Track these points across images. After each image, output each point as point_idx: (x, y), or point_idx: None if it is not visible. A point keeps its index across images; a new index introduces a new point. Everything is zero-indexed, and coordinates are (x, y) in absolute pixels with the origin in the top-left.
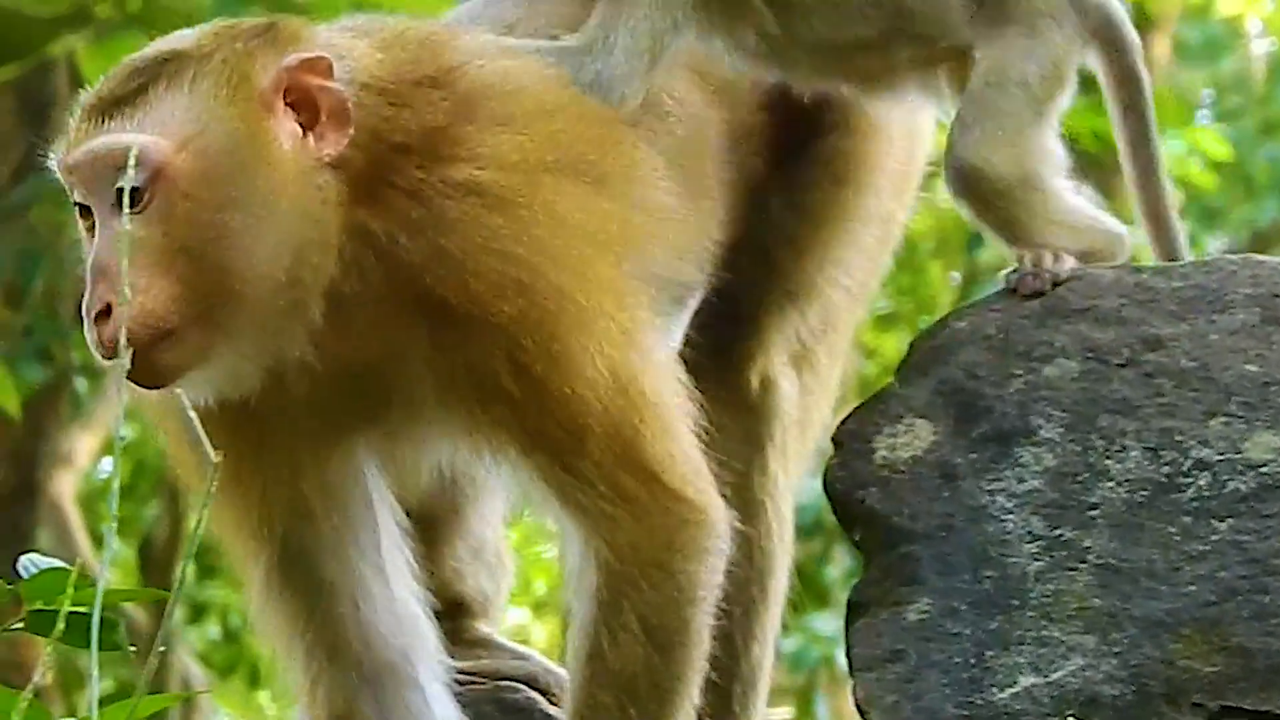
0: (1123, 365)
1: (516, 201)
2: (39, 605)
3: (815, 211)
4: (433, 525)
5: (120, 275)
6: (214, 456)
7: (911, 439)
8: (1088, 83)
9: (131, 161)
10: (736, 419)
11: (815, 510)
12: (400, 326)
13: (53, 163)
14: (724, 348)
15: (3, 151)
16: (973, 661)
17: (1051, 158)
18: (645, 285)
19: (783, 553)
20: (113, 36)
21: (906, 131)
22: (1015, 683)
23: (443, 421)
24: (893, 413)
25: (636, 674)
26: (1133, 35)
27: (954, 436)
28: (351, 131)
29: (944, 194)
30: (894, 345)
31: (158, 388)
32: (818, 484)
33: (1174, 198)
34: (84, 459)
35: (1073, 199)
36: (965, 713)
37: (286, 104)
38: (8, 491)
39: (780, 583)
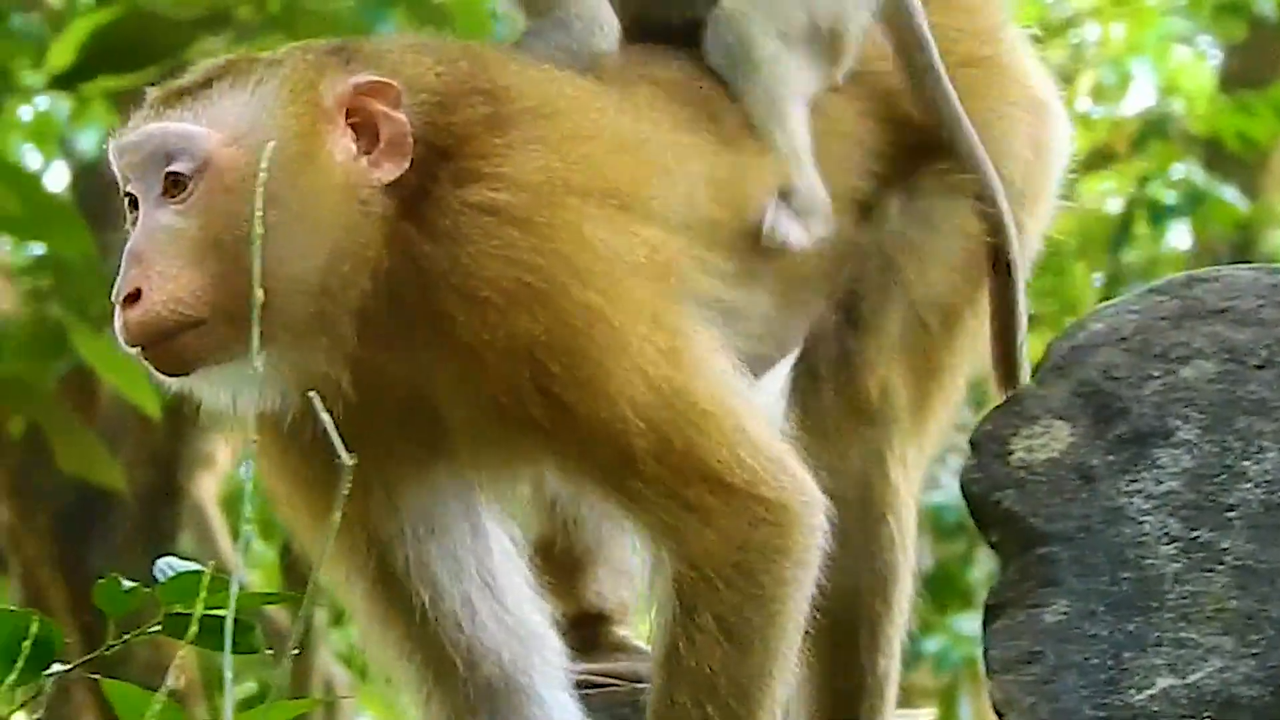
0: (1260, 366)
1: (535, 220)
2: (175, 608)
3: (934, 219)
4: (575, 559)
5: (154, 263)
6: (347, 459)
7: (1049, 440)
8: (1225, 84)
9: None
10: (856, 429)
11: (958, 511)
12: (429, 350)
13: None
14: (844, 356)
15: None
16: (1110, 663)
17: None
18: (691, 306)
19: (905, 562)
20: (253, 39)
21: (1032, 143)
22: (1153, 684)
23: (487, 451)
24: (1030, 414)
25: (715, 673)
26: (919, 13)
27: (1091, 438)
28: (408, 163)
29: (1087, 195)
30: (1036, 347)
31: (177, 375)
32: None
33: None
34: (225, 460)
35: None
36: (1102, 714)
37: (348, 123)
38: (150, 493)
39: (904, 592)
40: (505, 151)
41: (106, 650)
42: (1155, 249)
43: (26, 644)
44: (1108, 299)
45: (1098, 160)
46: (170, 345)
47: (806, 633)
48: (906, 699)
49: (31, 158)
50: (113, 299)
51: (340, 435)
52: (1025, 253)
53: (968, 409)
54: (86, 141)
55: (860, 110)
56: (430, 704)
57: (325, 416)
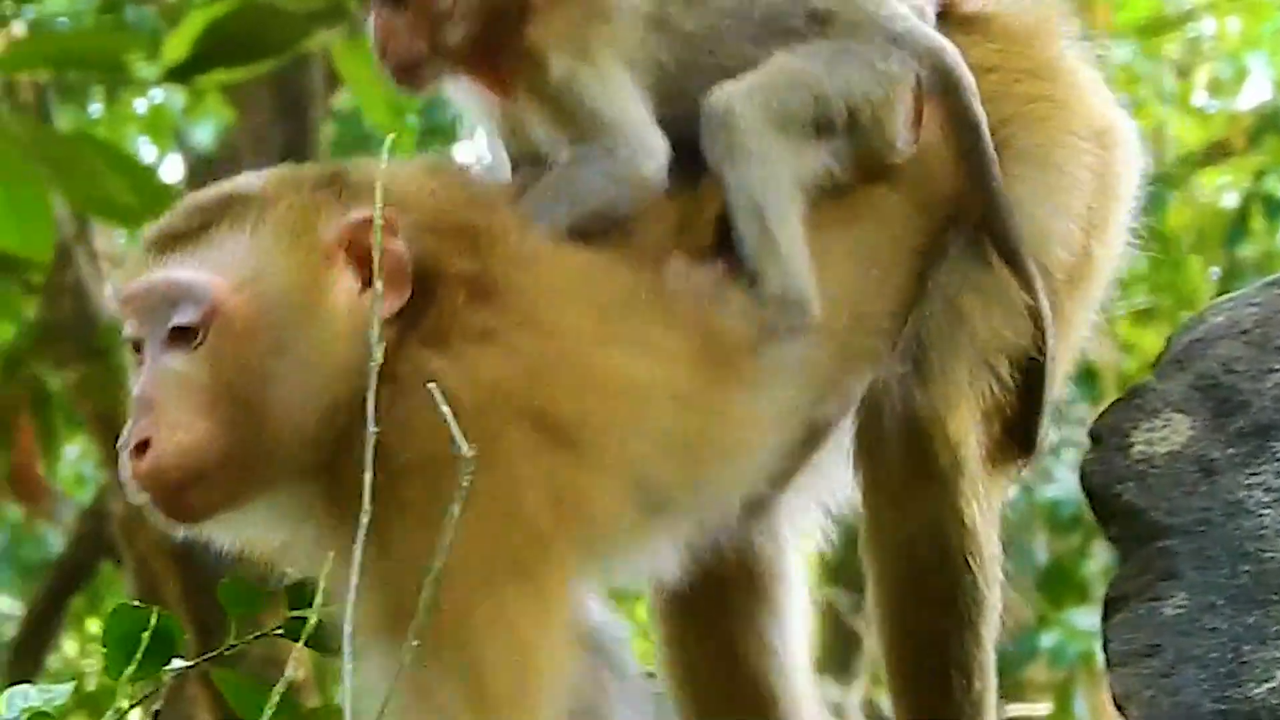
0: None
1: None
2: (294, 612)
3: (995, 260)
4: None
5: (163, 412)
6: (466, 450)
7: (1169, 434)
8: None
9: (187, 297)
10: (927, 486)
11: (1074, 505)
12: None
13: (109, 298)
14: (910, 412)
15: (260, 145)
16: (1230, 656)
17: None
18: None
19: (992, 594)
20: (366, 33)
21: (1096, 171)
22: (1272, 678)
23: None
24: (1150, 407)
25: None
26: (966, 76)
27: (1211, 431)
28: (409, 294)
29: (1203, 189)
30: (1153, 340)
31: (188, 524)
32: (1077, 479)
33: (1024, 239)
34: None
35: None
36: (1222, 708)
37: (348, 259)
38: None
39: (992, 622)
40: (467, 339)
41: (227, 650)
42: (1271, 243)
43: (145, 635)
44: (1224, 293)
45: (1214, 155)
46: (181, 496)
47: (898, 670)
48: (1022, 693)
49: (146, 150)
50: (118, 447)
51: None
52: (1091, 287)
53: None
54: (201, 134)
55: (905, 196)
56: None
57: (445, 410)
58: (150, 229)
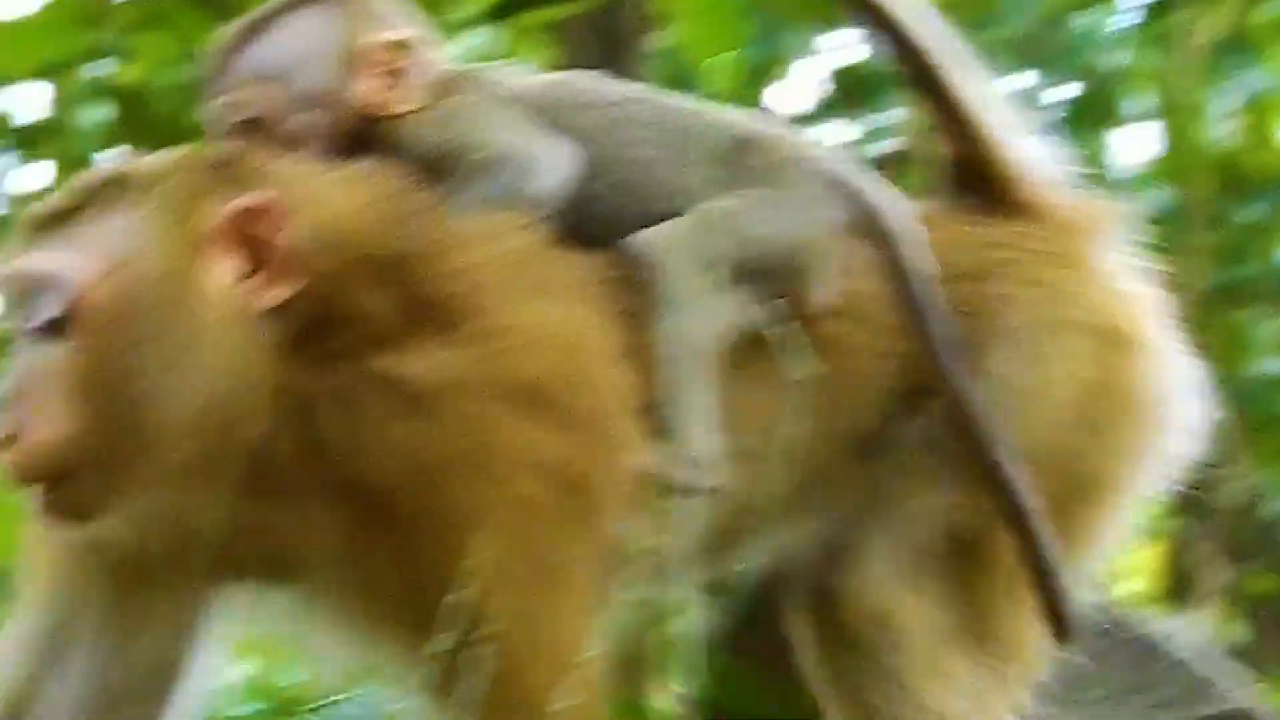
0: None
1: (440, 411)
2: None
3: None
4: None
5: (31, 405)
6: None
7: None
8: None
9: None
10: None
11: None
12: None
13: None
14: (824, 590)
15: None
16: None
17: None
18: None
19: None
20: None
21: (1095, 374)
22: None
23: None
24: None
25: None
26: (899, 222)
27: None
28: (296, 286)
29: None
30: None
31: (66, 525)
32: None
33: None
34: None
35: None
36: None
37: (231, 248)
38: None
39: None
40: (420, 342)
41: None
42: None
43: None
44: None
45: None
46: (57, 495)
47: None
48: None
49: None
50: None
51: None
52: (1099, 497)
53: None
54: None
55: (842, 348)
56: None
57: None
58: (29, 210)
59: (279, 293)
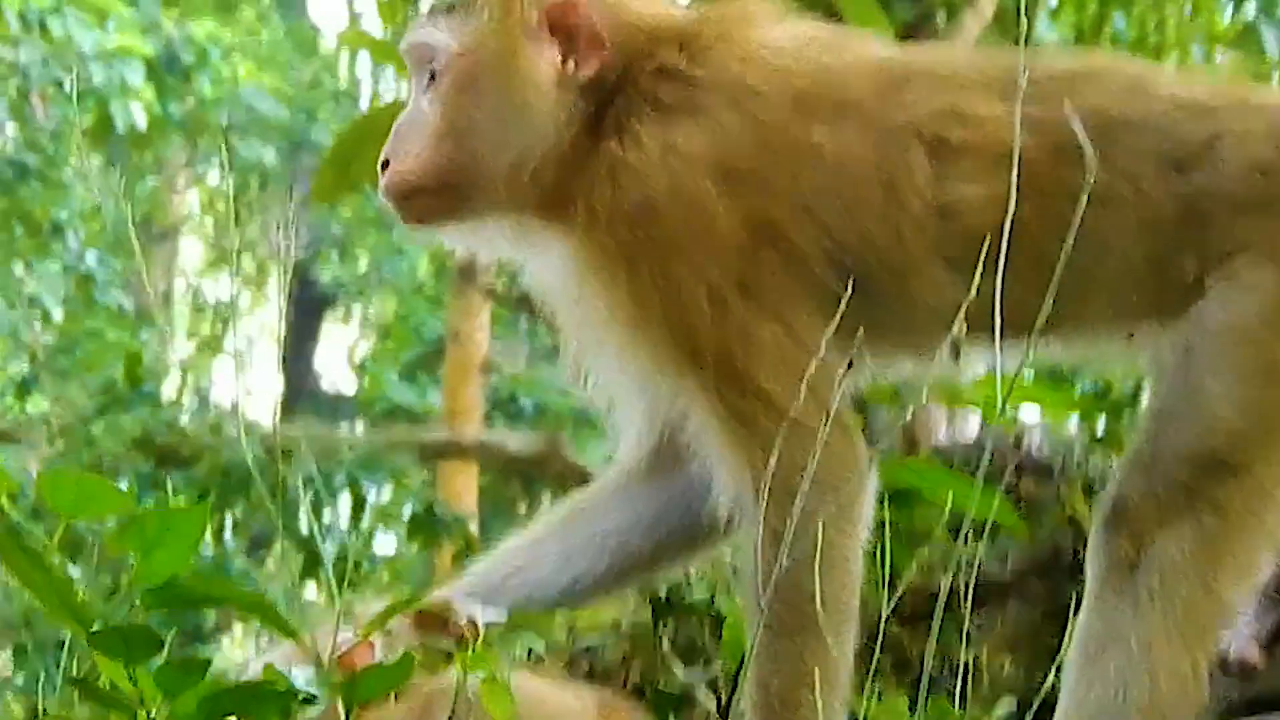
0: None
1: (676, 184)
2: None
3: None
4: None
5: (403, 140)
6: None
7: None
8: None
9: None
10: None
11: None
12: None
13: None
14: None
15: None
16: None
17: None
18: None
19: None
20: None
21: None
22: None
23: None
24: None
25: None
26: None
27: None
28: (605, 53)
29: None
30: None
31: (416, 226)
32: None
33: None
34: None
35: None
36: None
37: (551, 33)
38: None
39: None
40: (673, 110)
41: None
42: None
43: None
44: None
45: None
46: (408, 204)
47: None
48: None
49: None
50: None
51: None
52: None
53: None
54: None
55: None
56: None
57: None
58: (428, 5)
59: (590, 64)
